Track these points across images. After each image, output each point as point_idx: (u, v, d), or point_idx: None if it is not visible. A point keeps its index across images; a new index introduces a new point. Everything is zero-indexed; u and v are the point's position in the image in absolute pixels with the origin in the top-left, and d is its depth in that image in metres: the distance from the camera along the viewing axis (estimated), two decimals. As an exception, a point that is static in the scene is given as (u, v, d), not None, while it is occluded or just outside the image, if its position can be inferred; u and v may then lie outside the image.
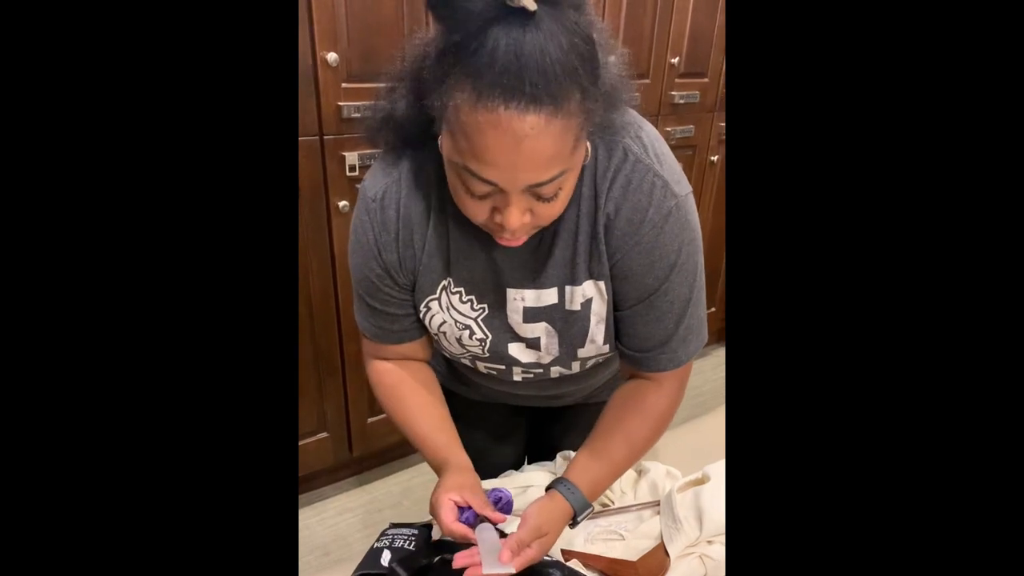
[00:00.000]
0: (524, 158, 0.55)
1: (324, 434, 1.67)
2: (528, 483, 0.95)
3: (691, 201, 0.71)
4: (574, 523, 0.77)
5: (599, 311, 0.74)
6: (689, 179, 0.72)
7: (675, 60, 1.93)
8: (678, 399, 0.81)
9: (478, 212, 0.63)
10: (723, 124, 2.18)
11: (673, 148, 0.73)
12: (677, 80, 1.98)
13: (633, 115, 0.72)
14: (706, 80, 2.07)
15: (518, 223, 0.61)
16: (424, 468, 1.90)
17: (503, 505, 0.79)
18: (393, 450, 1.87)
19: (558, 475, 0.97)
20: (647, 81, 1.91)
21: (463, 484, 0.74)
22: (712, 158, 2.21)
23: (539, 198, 0.60)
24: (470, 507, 0.72)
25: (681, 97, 2.00)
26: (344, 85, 1.38)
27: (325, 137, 1.40)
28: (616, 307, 0.74)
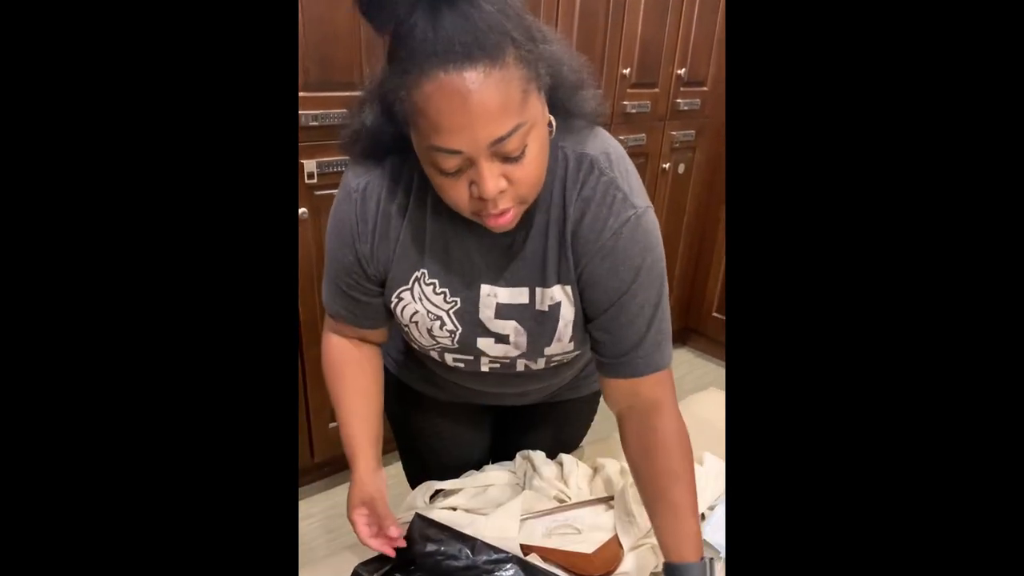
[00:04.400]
0: (476, 114, 0.58)
1: (285, 441, 1.68)
2: (488, 482, 0.98)
3: (651, 215, 0.75)
4: None
5: (567, 315, 0.78)
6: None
7: (626, 71, 2.00)
8: (678, 411, 0.80)
9: (460, 195, 0.66)
10: (674, 133, 2.25)
11: (626, 156, 0.79)
12: (629, 90, 2.04)
13: (602, 132, 0.77)
14: (656, 91, 2.13)
15: (495, 188, 0.63)
16: (388, 472, 1.90)
17: None
18: (354, 456, 1.88)
19: (517, 474, 1.01)
20: (599, 91, 1.96)
21: (365, 496, 0.84)
22: (664, 165, 2.28)
23: (507, 159, 0.63)
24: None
25: (633, 107, 2.06)
26: (302, 94, 1.39)
27: (284, 146, 1.41)
28: (590, 316, 0.78)
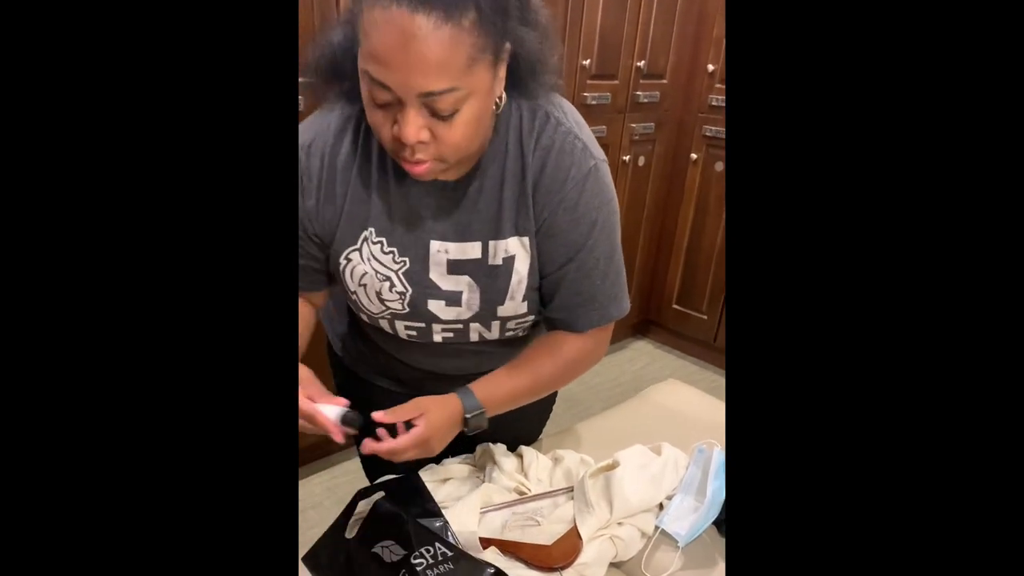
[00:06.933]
0: (412, 59, 0.58)
1: (242, 437, 1.65)
2: (447, 476, 0.98)
3: (607, 167, 0.77)
4: (466, 424, 0.81)
5: (521, 269, 0.78)
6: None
7: (586, 62, 2.00)
8: (595, 352, 0.87)
9: (384, 129, 0.65)
10: (634, 125, 2.26)
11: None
12: (589, 82, 2.04)
13: (554, 94, 0.78)
14: (616, 82, 2.14)
15: (414, 136, 0.63)
16: (348, 468, 1.89)
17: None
18: (314, 450, 1.85)
19: (477, 467, 1.00)
20: (560, 77, 1.96)
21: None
22: (624, 158, 2.29)
23: (435, 114, 0.63)
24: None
25: (593, 98, 2.06)
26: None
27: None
28: (547, 270, 0.79)
